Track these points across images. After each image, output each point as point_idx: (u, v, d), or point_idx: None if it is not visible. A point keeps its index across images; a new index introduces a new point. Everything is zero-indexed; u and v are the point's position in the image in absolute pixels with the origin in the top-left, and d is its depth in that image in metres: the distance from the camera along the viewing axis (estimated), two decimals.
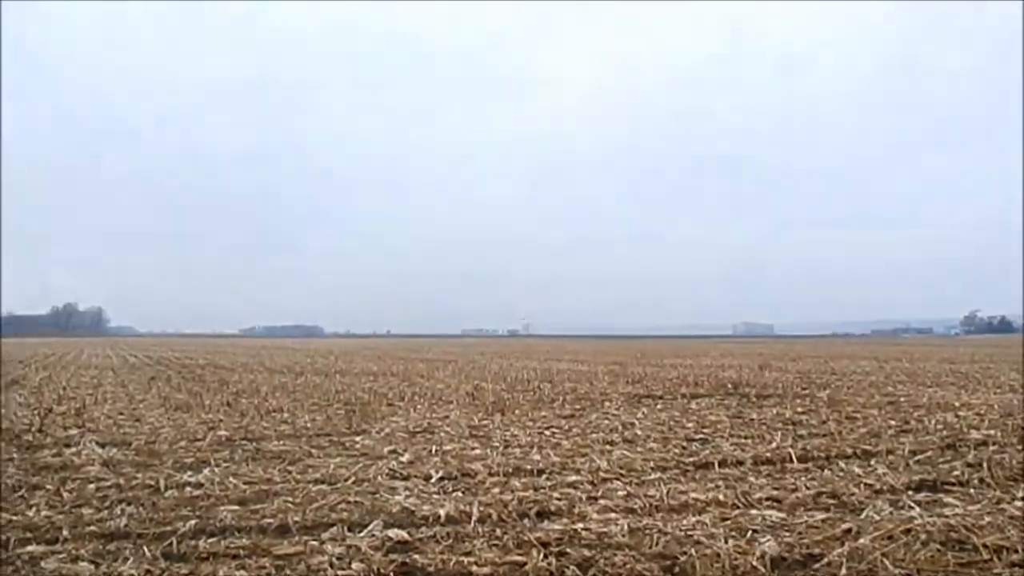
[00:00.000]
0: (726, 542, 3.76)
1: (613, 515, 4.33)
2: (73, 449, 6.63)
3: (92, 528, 4.14)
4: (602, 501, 4.65)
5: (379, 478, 5.38)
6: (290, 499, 4.73)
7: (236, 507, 4.56)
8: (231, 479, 5.32)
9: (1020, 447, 6.47)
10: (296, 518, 4.28)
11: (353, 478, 5.36)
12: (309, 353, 35.23)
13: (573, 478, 5.35)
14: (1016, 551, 3.58)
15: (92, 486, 5.14)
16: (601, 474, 5.45)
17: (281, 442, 7.09)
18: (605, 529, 4.02)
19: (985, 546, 3.64)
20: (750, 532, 3.95)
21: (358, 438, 7.32)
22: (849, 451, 6.34)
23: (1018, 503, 4.50)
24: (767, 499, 4.66)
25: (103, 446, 6.81)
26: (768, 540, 3.78)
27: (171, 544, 3.82)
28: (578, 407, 10.00)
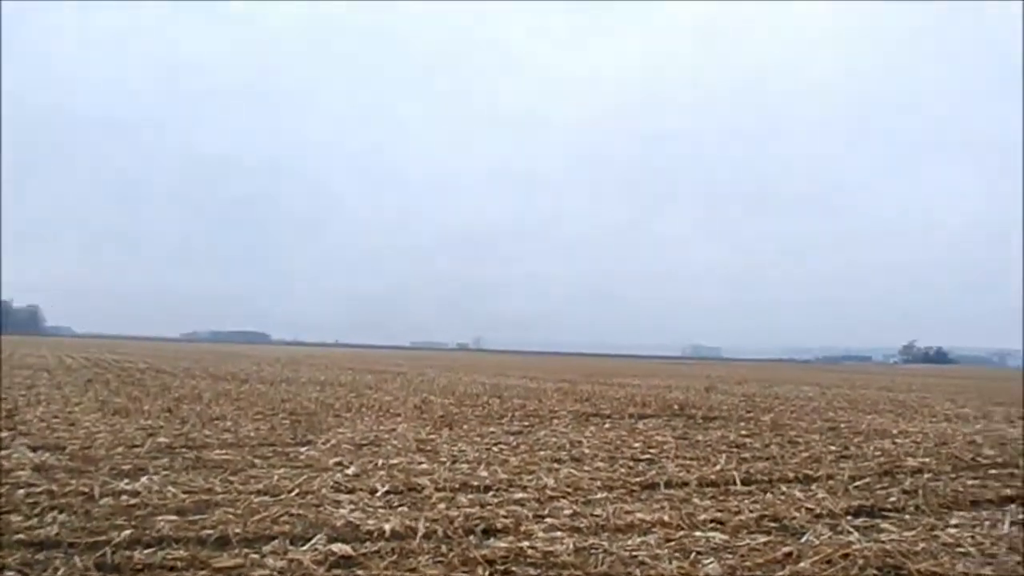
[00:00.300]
0: (670, 563, 3.79)
1: (559, 534, 4.33)
2: (3, 453, 6.38)
3: (20, 536, 3.97)
4: (548, 519, 4.65)
5: (323, 491, 5.29)
6: (231, 510, 4.62)
7: (174, 517, 4.44)
8: (170, 488, 5.18)
9: (953, 475, 6.67)
10: (237, 530, 4.18)
11: (297, 490, 5.26)
12: (255, 360, 34.61)
13: (520, 495, 5.33)
14: None
15: (22, 492, 4.94)
16: (548, 492, 5.45)
17: (223, 451, 6.93)
18: (551, 548, 4.02)
19: (920, 572, 3.74)
20: (694, 554, 3.99)
21: (303, 449, 7.20)
22: (791, 475, 6.46)
23: (951, 530, 4.63)
24: (711, 521, 4.71)
25: (35, 450, 6.57)
26: (711, 562, 3.82)
27: (104, 554, 3.69)
28: (526, 424, 10.01)
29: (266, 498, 4.99)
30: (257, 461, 6.43)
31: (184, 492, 5.09)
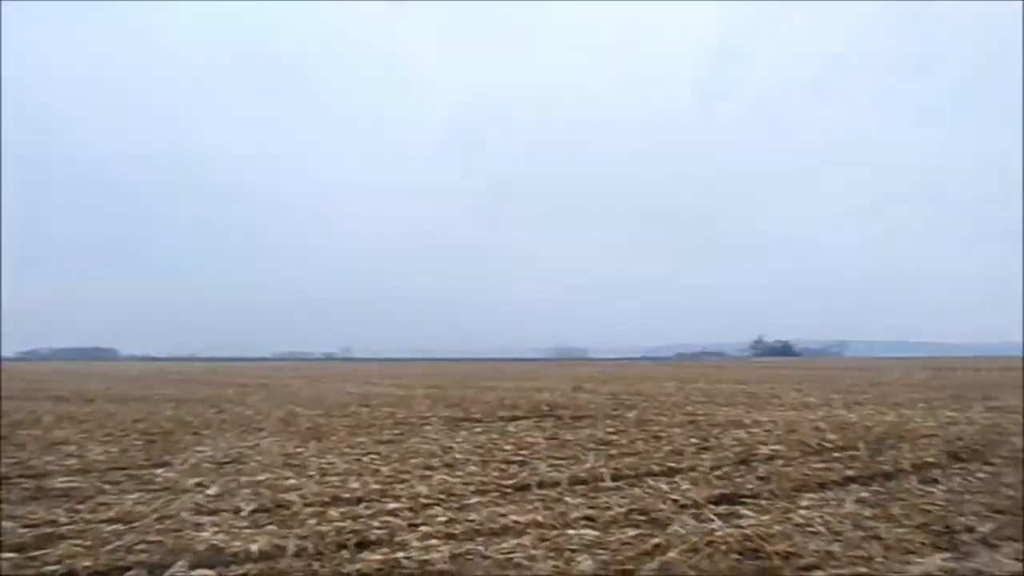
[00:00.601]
0: (545, 563, 3.83)
1: (434, 542, 4.29)
2: None
3: None
4: (423, 528, 4.60)
5: (183, 514, 5.00)
6: (79, 542, 4.28)
7: (13, 554, 4.06)
8: (6, 523, 4.74)
9: (802, 460, 7.13)
10: (86, 563, 3.87)
11: (154, 515, 4.94)
12: (102, 378, 32.37)
13: (393, 505, 5.24)
14: (802, 556, 3.92)
15: None
16: (421, 500, 5.39)
17: (68, 478, 6.42)
18: (426, 557, 3.97)
19: (777, 553, 3.96)
20: (568, 552, 4.05)
21: (159, 471, 6.79)
22: (656, 469, 6.70)
23: (802, 511, 4.94)
24: (583, 518, 4.80)
25: None
26: (585, 559, 3.89)
27: None
28: (397, 432, 9.87)
29: (119, 526, 4.66)
30: (107, 487, 6.00)
31: (24, 526, 4.68)
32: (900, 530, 4.45)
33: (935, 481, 6.06)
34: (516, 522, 4.71)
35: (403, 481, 6.13)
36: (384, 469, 6.76)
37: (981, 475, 6.30)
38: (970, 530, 4.46)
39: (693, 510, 5.06)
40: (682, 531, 4.45)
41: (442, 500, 5.41)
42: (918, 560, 3.88)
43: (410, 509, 5.14)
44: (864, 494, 5.56)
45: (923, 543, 4.18)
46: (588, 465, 6.83)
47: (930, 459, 7.09)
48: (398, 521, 4.77)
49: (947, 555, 3.97)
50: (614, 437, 9.09)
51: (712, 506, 5.18)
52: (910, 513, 4.88)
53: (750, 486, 5.85)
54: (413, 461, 7.23)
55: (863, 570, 3.71)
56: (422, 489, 5.74)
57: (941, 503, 5.18)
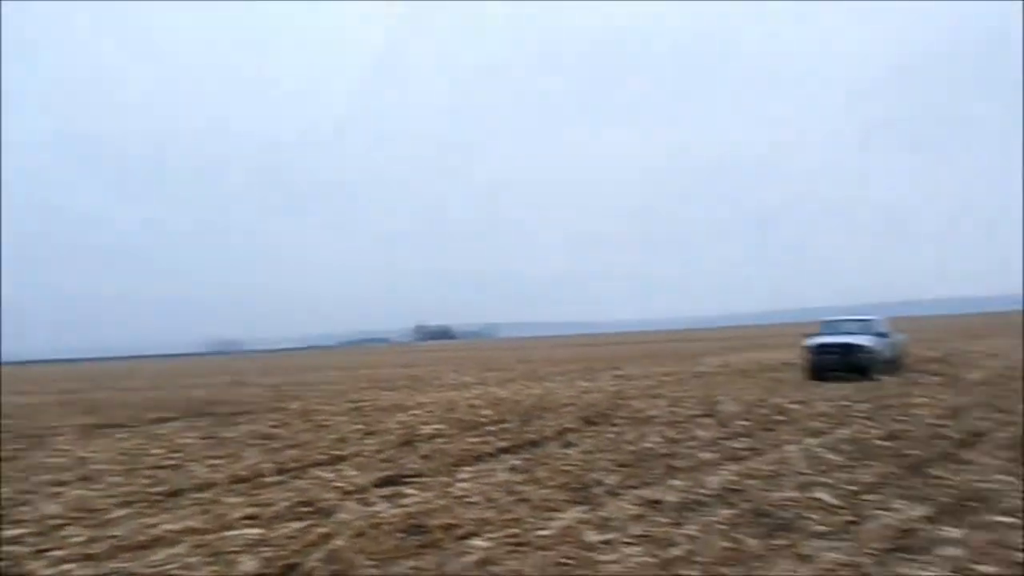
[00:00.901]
0: (203, 570, 3.60)
1: (68, 566, 3.79)
2: None
3: None
4: (54, 552, 4.03)
5: None
6: None
7: None
8: None
9: (460, 436, 7.56)
10: None
11: None
12: None
13: (15, 531, 4.52)
14: (461, 526, 4.16)
15: None
16: (51, 521, 4.72)
17: None
18: None
19: (438, 526, 4.16)
20: (229, 554, 3.84)
21: None
22: (321, 458, 6.63)
23: (461, 484, 5.24)
24: (244, 518, 4.58)
25: None
26: (248, 559, 3.72)
27: None
28: (19, 446, 8.57)
29: None
30: None
31: None
32: (544, 491, 4.94)
33: (572, 444, 6.82)
34: (169, 531, 4.34)
35: (27, 502, 5.32)
36: (4, 490, 5.80)
37: (609, 435, 7.22)
38: (600, 484, 5.10)
39: (359, 495, 5.09)
40: (348, 517, 4.46)
41: (78, 518, 4.80)
42: (559, 515, 4.34)
43: (37, 533, 4.48)
44: (515, 462, 6.06)
45: (564, 500, 4.69)
46: (249, 462, 6.55)
47: (569, 425, 7.96)
48: (21, 548, 4.12)
49: (583, 508, 4.50)
50: (277, 430, 8.83)
51: (377, 489, 5.27)
52: (552, 475, 5.43)
53: (413, 466, 6.05)
54: (41, 478, 6.31)
55: (514, 531, 4.05)
56: (52, 508, 5.04)
57: (577, 463, 5.84)
